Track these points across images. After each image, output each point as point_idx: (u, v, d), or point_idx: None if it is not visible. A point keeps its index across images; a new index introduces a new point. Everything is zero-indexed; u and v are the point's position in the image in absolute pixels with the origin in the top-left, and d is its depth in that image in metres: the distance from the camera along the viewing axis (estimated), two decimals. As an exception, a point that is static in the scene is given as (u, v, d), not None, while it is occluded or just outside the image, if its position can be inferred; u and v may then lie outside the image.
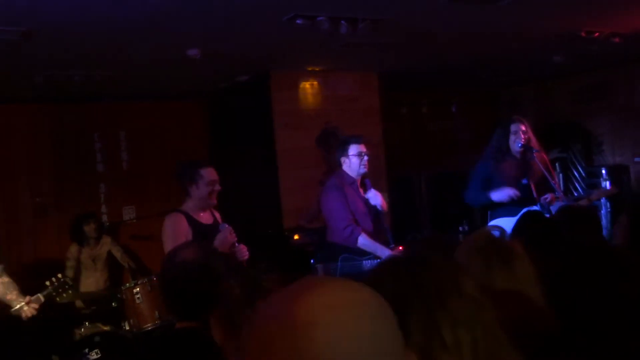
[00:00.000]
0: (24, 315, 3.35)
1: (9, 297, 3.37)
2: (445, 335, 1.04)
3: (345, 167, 4.19)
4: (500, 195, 4.28)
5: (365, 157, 4.16)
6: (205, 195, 3.51)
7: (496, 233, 1.65)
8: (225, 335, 1.76)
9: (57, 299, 3.49)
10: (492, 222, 4.45)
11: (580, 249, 1.88)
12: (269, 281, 1.82)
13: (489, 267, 1.51)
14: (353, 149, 4.14)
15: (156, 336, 4.22)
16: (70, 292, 3.62)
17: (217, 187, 3.56)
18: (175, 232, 3.41)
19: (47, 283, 3.50)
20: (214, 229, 3.53)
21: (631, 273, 1.84)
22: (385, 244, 4.12)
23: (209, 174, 3.53)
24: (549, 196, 4.36)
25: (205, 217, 3.60)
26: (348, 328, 0.75)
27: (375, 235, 4.17)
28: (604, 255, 1.90)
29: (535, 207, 4.46)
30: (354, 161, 4.14)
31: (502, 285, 1.49)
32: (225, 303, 1.79)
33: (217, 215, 3.76)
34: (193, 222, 3.49)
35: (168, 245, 3.38)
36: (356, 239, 4.04)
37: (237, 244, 3.51)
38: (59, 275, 3.55)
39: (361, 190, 4.29)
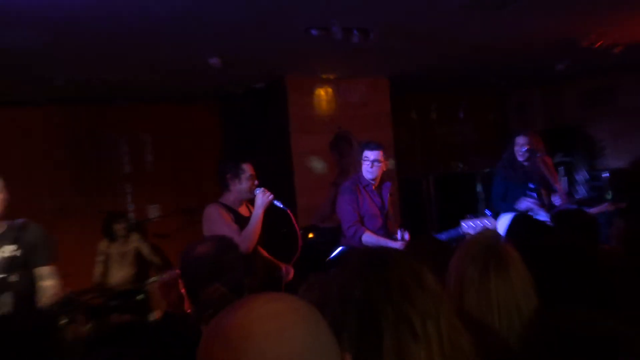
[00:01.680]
0: None
1: (41, 302, 3.08)
2: (416, 327, 1.07)
3: (362, 170, 4.26)
4: (522, 206, 4.43)
5: (376, 164, 4.18)
6: (246, 188, 3.63)
7: (492, 238, 1.63)
8: None
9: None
10: (500, 217, 4.48)
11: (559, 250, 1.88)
12: (252, 282, 1.81)
13: (486, 273, 1.50)
14: (364, 155, 4.19)
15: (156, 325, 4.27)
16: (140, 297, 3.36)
17: (256, 181, 3.68)
18: (214, 219, 3.52)
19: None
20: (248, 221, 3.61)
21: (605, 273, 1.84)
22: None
23: (249, 168, 3.67)
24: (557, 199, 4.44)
25: (243, 210, 3.71)
26: (279, 336, 0.78)
27: (386, 236, 4.20)
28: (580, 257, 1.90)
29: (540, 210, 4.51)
30: (363, 166, 4.19)
31: (497, 291, 1.48)
32: (212, 304, 1.77)
33: (251, 208, 3.82)
34: (233, 212, 3.60)
35: (220, 230, 3.47)
36: (359, 238, 4.08)
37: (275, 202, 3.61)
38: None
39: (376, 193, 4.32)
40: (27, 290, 3.03)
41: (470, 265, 1.51)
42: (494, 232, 1.76)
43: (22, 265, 3.01)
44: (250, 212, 3.73)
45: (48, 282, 3.13)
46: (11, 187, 3.08)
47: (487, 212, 4.12)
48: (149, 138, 6.61)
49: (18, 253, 3.00)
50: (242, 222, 3.59)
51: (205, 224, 3.60)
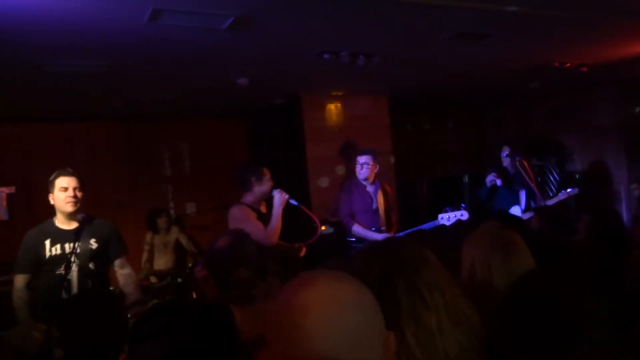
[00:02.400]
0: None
1: (126, 289, 3.09)
2: (425, 296, 1.06)
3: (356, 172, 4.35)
4: (487, 179, 4.60)
5: (365, 167, 4.23)
6: (267, 189, 3.63)
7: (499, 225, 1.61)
8: (242, 312, 1.70)
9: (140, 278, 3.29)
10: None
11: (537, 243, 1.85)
12: (273, 265, 1.80)
13: (493, 255, 1.48)
14: (357, 159, 4.32)
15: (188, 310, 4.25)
16: (179, 280, 3.37)
17: (272, 183, 3.70)
18: (243, 218, 3.49)
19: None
20: (268, 217, 3.63)
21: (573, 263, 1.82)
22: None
23: (268, 172, 3.70)
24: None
25: (262, 208, 3.72)
26: (335, 314, 0.74)
27: (376, 228, 4.20)
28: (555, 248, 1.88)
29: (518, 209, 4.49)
30: (356, 168, 4.27)
31: (498, 274, 1.45)
32: (239, 286, 1.73)
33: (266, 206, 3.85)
34: (256, 211, 3.62)
35: (248, 227, 3.35)
36: (350, 229, 4.20)
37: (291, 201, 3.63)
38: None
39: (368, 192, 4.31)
40: (102, 277, 3.05)
41: (480, 248, 1.49)
42: (500, 221, 1.73)
43: (98, 256, 3.01)
44: (267, 209, 3.72)
45: (126, 271, 3.15)
46: (81, 187, 3.10)
47: (462, 205, 4.08)
48: (188, 148, 6.65)
49: (95, 246, 2.99)
50: (263, 218, 3.59)
51: (231, 222, 3.55)
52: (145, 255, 5.74)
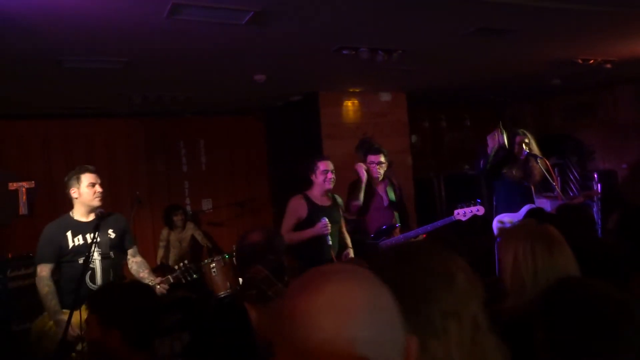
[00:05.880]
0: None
1: (141, 274, 3.24)
2: (437, 324, 0.90)
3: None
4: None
5: (379, 166, 4.17)
6: (320, 181, 3.69)
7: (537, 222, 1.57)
8: (258, 312, 1.66)
9: (183, 280, 3.36)
10: (497, 218, 4.34)
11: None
12: (289, 262, 1.74)
13: (534, 252, 1.43)
14: (371, 158, 4.21)
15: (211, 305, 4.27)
16: (194, 276, 3.43)
17: (330, 175, 3.72)
18: (290, 211, 3.67)
19: (176, 267, 3.40)
20: (327, 209, 3.70)
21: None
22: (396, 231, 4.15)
23: (323, 165, 3.74)
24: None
25: (322, 200, 3.75)
26: (343, 325, 0.67)
27: (387, 224, 4.14)
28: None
29: (534, 206, 4.33)
30: (369, 169, 4.20)
31: (543, 266, 1.41)
32: (255, 284, 1.70)
33: (340, 200, 3.95)
34: (310, 203, 3.68)
35: (285, 220, 3.67)
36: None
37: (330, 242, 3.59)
38: (186, 262, 3.44)
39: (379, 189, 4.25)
40: (119, 264, 3.25)
41: (522, 241, 1.44)
42: (536, 219, 1.68)
43: (117, 246, 3.21)
44: (334, 202, 3.84)
45: (138, 259, 3.35)
46: (100, 182, 3.22)
47: (478, 200, 3.98)
48: (205, 144, 6.66)
49: (113, 236, 3.18)
50: (316, 210, 3.65)
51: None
52: (160, 252, 5.75)
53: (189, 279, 3.35)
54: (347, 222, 4.97)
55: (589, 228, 2.96)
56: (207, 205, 6.52)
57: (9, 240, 5.31)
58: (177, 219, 5.79)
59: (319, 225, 3.56)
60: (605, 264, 2.34)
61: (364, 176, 4.06)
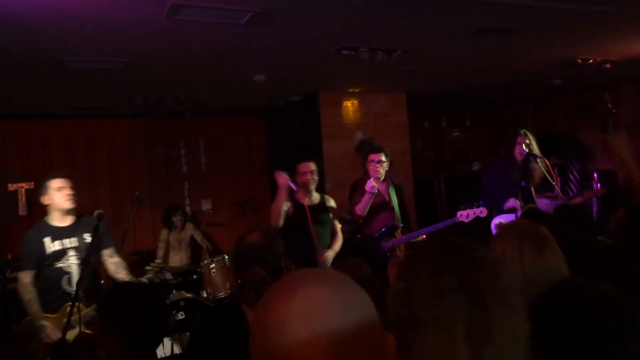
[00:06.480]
0: None
1: (119, 275, 3.27)
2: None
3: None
4: (508, 205, 4.18)
5: (380, 165, 4.10)
6: (301, 182, 3.81)
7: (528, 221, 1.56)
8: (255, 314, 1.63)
9: (157, 280, 3.37)
10: (496, 218, 4.32)
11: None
12: (286, 263, 1.72)
13: (522, 251, 1.43)
14: (372, 157, 4.13)
15: (208, 307, 4.27)
16: (166, 274, 3.48)
17: (308, 177, 3.83)
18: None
19: (148, 268, 3.39)
20: (313, 209, 3.80)
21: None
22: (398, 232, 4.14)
23: (301, 167, 3.87)
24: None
25: (308, 200, 3.86)
26: (324, 319, 0.68)
27: (389, 225, 4.13)
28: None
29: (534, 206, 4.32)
30: (369, 168, 4.12)
31: (531, 266, 1.40)
32: (253, 286, 1.69)
33: (332, 202, 4.05)
34: (296, 202, 3.79)
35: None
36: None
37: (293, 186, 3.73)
38: (158, 261, 3.48)
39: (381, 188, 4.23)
40: (97, 266, 3.29)
41: (511, 238, 1.44)
42: (530, 219, 1.67)
43: (94, 248, 3.22)
44: (321, 200, 3.96)
45: (115, 259, 3.35)
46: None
47: (481, 202, 3.96)
48: (204, 144, 6.66)
49: (89, 239, 3.21)
50: (301, 210, 3.75)
51: None
52: (160, 253, 5.74)
53: (162, 278, 3.33)
54: (347, 222, 4.97)
55: (587, 228, 2.96)
56: (206, 205, 6.52)
57: (8, 241, 5.30)
58: (177, 219, 5.79)
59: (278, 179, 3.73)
60: (603, 265, 2.33)
61: (372, 189, 3.96)
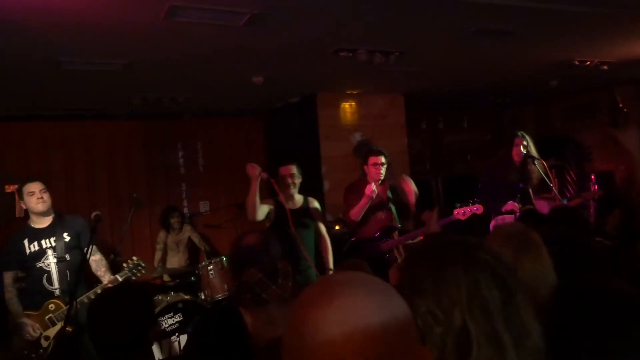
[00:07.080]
0: None
1: (99, 272, 3.43)
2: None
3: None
4: (507, 208, 4.21)
5: (380, 167, 4.05)
6: (282, 186, 3.79)
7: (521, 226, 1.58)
8: (253, 316, 1.62)
9: (133, 278, 3.35)
10: (497, 218, 4.33)
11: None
12: (283, 264, 1.73)
13: (518, 255, 1.44)
14: (372, 159, 4.08)
15: (205, 309, 4.27)
16: (143, 272, 3.40)
17: (288, 180, 3.82)
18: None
19: (124, 265, 3.38)
20: (294, 212, 3.75)
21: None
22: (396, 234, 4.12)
23: (281, 170, 3.86)
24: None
25: (290, 203, 3.81)
26: (361, 328, 0.67)
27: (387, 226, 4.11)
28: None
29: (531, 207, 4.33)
30: (371, 170, 4.06)
31: (529, 269, 1.42)
32: (250, 288, 1.67)
33: (316, 204, 4.03)
34: (278, 204, 3.78)
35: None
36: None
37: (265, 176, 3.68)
38: (134, 258, 3.41)
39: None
40: (77, 265, 3.36)
41: (505, 246, 1.45)
42: (524, 221, 1.69)
43: (73, 248, 3.40)
44: (300, 205, 3.91)
45: (96, 257, 3.47)
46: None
47: (476, 199, 3.96)
48: (202, 146, 6.66)
49: (68, 239, 3.38)
50: (283, 213, 3.68)
51: None
52: (158, 254, 5.73)
53: (138, 275, 3.34)
54: (346, 223, 4.97)
55: (584, 230, 2.96)
56: (204, 207, 6.51)
57: (5, 243, 5.30)
58: (174, 221, 5.77)
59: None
60: (600, 266, 2.34)
61: (372, 194, 3.87)
